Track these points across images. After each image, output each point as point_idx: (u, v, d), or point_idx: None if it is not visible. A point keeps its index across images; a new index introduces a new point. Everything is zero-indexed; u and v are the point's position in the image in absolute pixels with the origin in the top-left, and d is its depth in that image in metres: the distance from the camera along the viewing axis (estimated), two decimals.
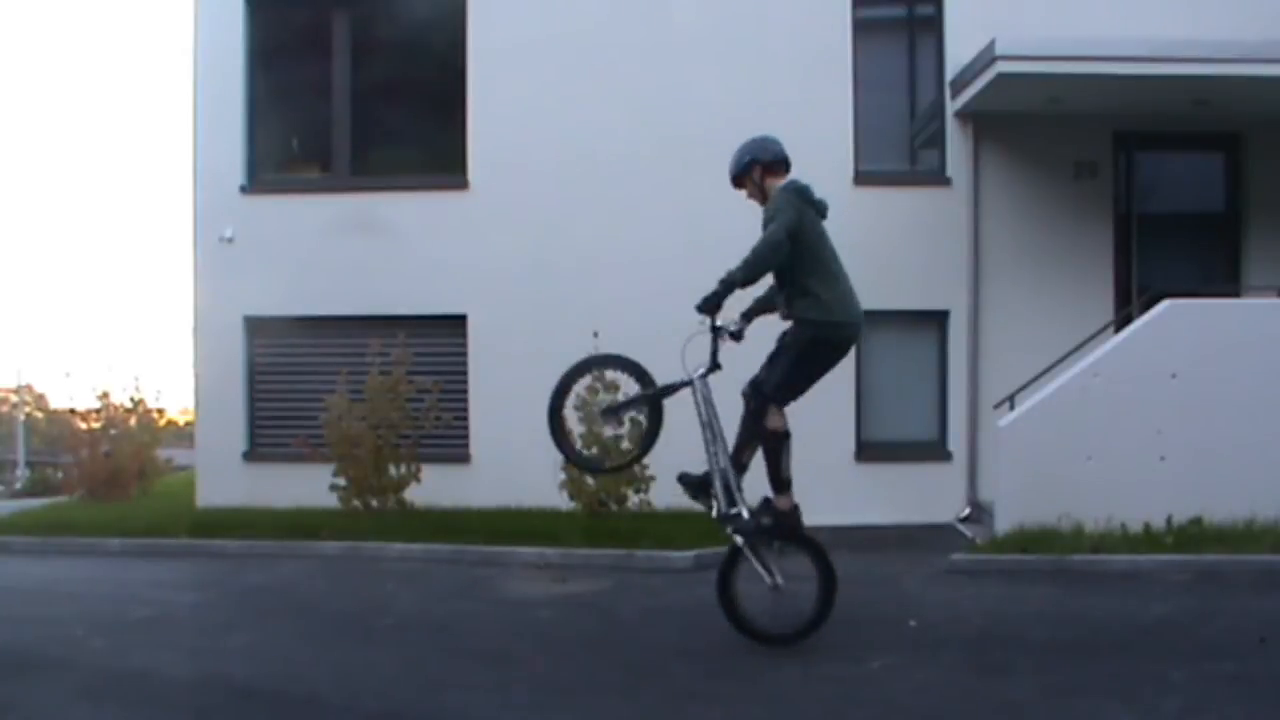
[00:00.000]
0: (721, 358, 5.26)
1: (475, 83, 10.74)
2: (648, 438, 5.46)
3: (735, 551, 5.20)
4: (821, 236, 5.28)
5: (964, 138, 10.34)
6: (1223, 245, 10.62)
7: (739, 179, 5.55)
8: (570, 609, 6.60)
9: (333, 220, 10.69)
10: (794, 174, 11.08)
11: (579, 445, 9.10)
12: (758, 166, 5.47)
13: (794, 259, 5.14)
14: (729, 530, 5.19)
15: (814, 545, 5.19)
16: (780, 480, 5.25)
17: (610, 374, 8.90)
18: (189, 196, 11.08)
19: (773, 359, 5.29)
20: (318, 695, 4.50)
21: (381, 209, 10.72)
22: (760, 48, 10.42)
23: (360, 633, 5.92)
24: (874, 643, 5.38)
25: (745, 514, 5.17)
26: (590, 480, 9.17)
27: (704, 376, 5.26)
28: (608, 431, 9.10)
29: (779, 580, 5.12)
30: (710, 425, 5.24)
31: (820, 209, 5.36)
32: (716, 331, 5.20)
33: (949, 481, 10.23)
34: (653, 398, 5.35)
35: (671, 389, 5.31)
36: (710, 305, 5.06)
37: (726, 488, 5.19)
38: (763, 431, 5.22)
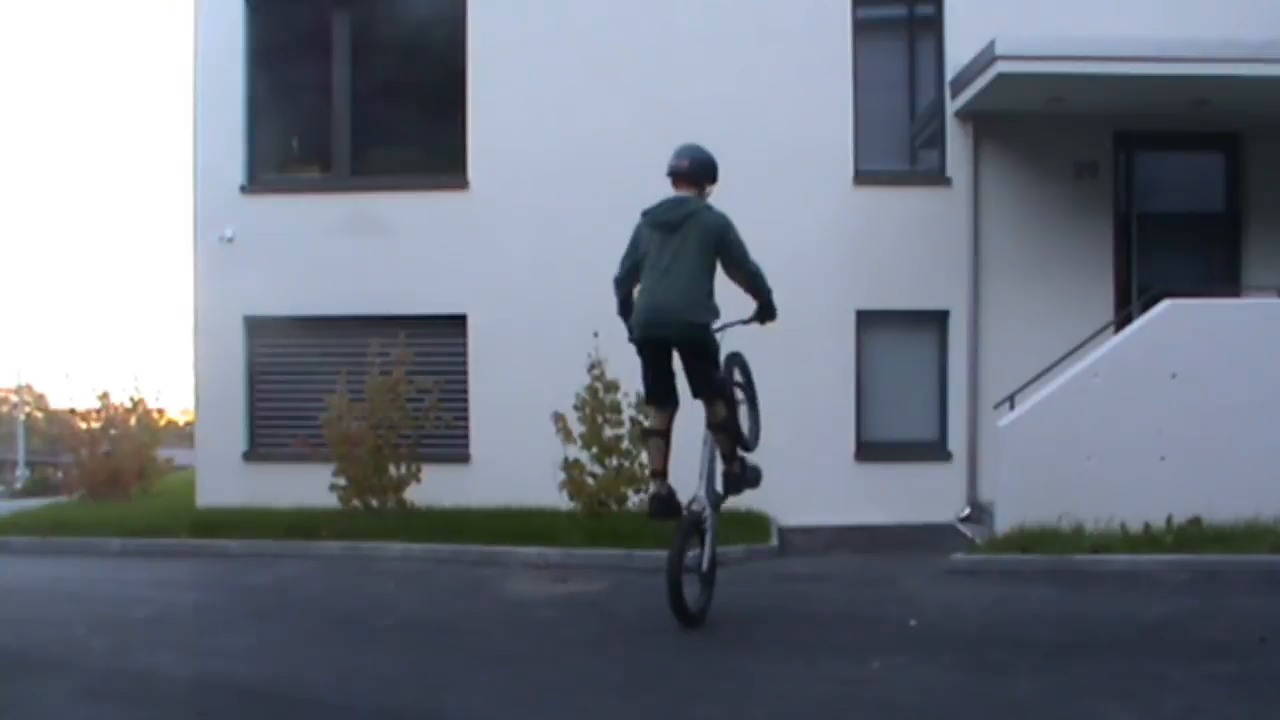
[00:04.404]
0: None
1: (475, 83, 10.73)
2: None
3: None
4: (650, 246, 5.63)
5: (964, 138, 10.34)
6: (1223, 245, 10.62)
7: None
8: (570, 609, 6.60)
9: (333, 220, 10.69)
10: (793, 173, 11.09)
11: (579, 445, 9.15)
12: None
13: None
14: None
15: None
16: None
17: (610, 375, 8.95)
18: (189, 196, 11.09)
19: None
20: (318, 695, 4.50)
21: (381, 209, 10.72)
22: (760, 48, 10.42)
23: (360, 633, 5.91)
24: (874, 643, 5.38)
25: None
26: (590, 480, 9.18)
27: None
28: (608, 431, 9.12)
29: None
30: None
31: (660, 222, 5.63)
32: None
33: (949, 481, 10.22)
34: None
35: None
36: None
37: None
38: None
